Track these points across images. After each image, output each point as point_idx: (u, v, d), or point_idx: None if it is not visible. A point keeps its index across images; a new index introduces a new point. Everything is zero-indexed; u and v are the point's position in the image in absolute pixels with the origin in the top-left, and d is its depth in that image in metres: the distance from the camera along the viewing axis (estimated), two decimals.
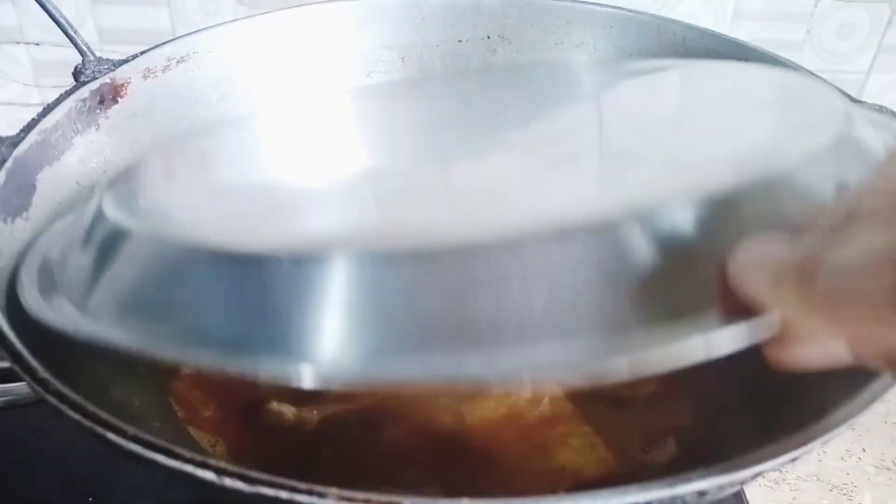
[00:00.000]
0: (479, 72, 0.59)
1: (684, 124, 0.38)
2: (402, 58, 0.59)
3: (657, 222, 0.27)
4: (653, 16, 0.57)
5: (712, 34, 0.56)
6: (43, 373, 0.31)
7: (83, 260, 0.35)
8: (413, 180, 0.36)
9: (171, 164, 0.43)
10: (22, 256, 0.39)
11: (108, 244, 0.34)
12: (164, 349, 0.30)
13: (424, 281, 0.27)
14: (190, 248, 0.30)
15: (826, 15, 0.71)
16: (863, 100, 0.50)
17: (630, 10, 0.58)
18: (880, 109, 0.47)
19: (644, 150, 0.35)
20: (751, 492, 0.50)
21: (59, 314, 0.33)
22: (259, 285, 0.28)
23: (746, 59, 0.54)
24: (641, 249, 0.27)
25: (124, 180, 0.39)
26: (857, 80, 0.72)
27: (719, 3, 0.71)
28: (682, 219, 0.27)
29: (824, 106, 0.35)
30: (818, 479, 0.52)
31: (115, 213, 0.34)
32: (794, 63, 0.52)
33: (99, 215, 0.35)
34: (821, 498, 0.51)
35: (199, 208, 0.37)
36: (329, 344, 0.27)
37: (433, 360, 0.27)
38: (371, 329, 0.27)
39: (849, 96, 0.48)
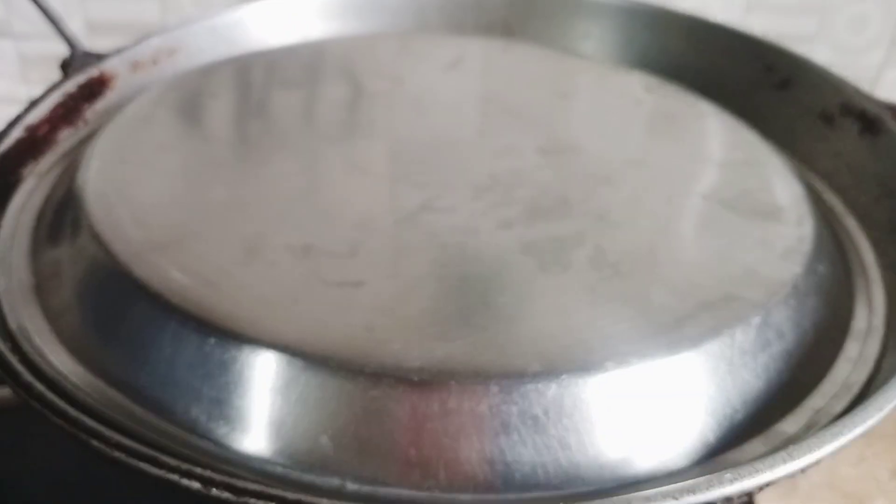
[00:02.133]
0: None
1: None
2: None
3: None
4: (660, 8, 0.55)
5: (720, 26, 0.54)
6: (27, 376, 0.30)
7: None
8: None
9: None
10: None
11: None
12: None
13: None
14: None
15: (838, 7, 0.69)
16: (875, 96, 0.48)
17: (637, 3, 0.56)
18: (893, 107, 0.46)
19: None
20: (763, 500, 0.48)
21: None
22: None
23: (758, 52, 0.52)
24: None
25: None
26: (870, 75, 0.70)
27: None
28: None
29: None
30: (831, 487, 0.51)
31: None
32: (805, 58, 0.50)
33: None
34: None
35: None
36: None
37: None
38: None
39: (862, 92, 0.47)
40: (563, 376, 0.29)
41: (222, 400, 0.30)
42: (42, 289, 0.36)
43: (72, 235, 0.37)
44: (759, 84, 0.52)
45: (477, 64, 0.52)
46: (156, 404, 0.30)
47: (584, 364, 0.29)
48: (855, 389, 0.33)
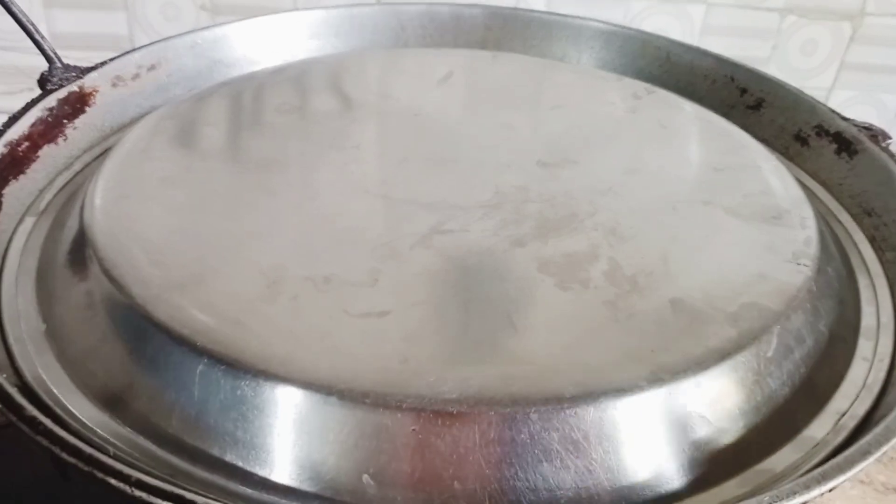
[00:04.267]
0: None
1: None
2: None
3: None
4: (636, 30, 0.57)
5: (696, 49, 0.56)
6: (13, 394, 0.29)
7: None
8: None
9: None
10: None
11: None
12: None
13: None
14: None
15: (791, 32, 0.72)
16: None
17: (614, 25, 0.57)
18: (869, 128, 0.48)
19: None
20: None
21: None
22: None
23: (731, 74, 0.54)
24: None
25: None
26: (820, 95, 0.73)
27: (687, 18, 0.71)
28: None
29: None
30: (862, 483, 0.51)
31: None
32: (779, 80, 0.52)
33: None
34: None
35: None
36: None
37: None
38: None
39: (837, 113, 0.49)
40: (601, 399, 0.29)
41: (258, 443, 0.29)
42: (55, 336, 0.34)
43: (83, 278, 0.36)
44: (733, 105, 0.54)
45: (467, 77, 0.53)
46: (188, 451, 0.30)
47: (619, 385, 0.30)
48: (875, 390, 0.34)
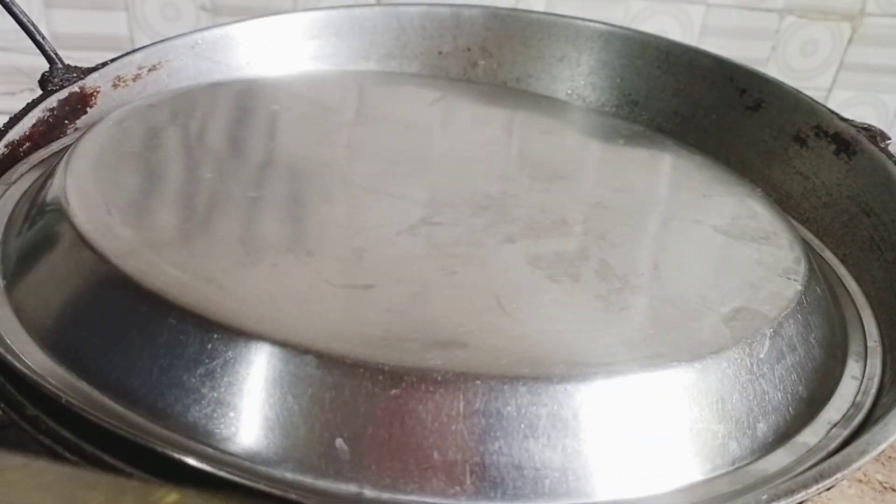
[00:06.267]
0: None
1: None
2: (381, 69, 0.58)
3: None
4: (636, 31, 0.57)
5: (695, 50, 0.56)
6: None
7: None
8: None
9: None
10: None
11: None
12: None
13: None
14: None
15: (790, 32, 0.72)
16: None
17: (613, 25, 0.57)
18: (868, 129, 0.48)
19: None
20: None
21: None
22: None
23: (730, 74, 0.54)
24: None
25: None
26: (820, 96, 0.74)
27: (687, 19, 0.71)
28: None
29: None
30: (859, 481, 0.51)
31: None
32: (777, 81, 0.53)
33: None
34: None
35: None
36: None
37: None
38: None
39: (836, 114, 0.49)
40: (593, 378, 0.28)
41: (225, 401, 0.27)
42: (12, 291, 0.33)
43: (51, 237, 0.34)
44: (732, 106, 0.54)
45: (457, 103, 0.53)
46: (147, 406, 0.28)
47: (612, 365, 0.29)
48: (867, 405, 0.34)
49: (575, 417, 0.28)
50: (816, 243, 0.46)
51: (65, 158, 0.39)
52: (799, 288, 0.36)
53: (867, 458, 0.29)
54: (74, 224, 0.33)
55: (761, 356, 0.32)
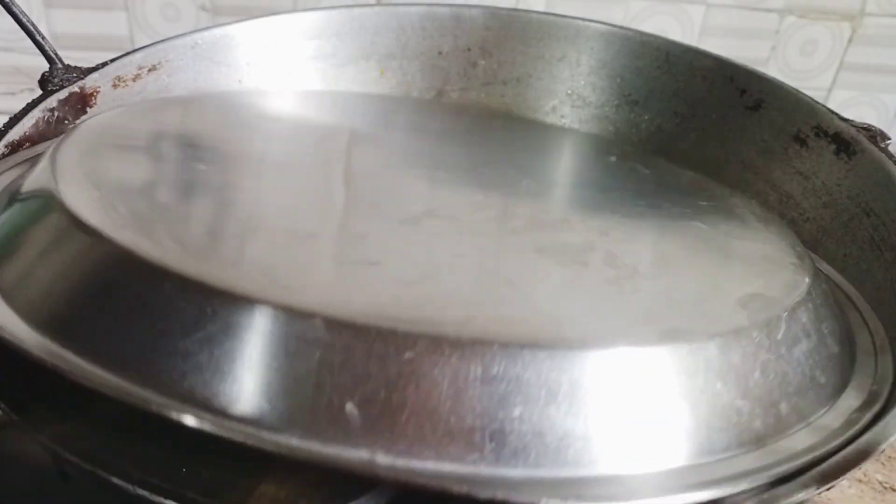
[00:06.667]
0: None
1: None
2: (381, 69, 0.58)
3: None
4: (635, 31, 0.57)
5: (695, 50, 0.56)
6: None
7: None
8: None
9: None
10: None
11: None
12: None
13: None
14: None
15: (790, 32, 0.72)
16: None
17: (613, 25, 0.57)
18: (868, 129, 0.48)
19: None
20: None
21: None
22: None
23: (730, 75, 0.54)
24: None
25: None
26: (820, 96, 0.74)
27: (687, 19, 0.71)
28: None
29: None
30: (860, 481, 0.51)
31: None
32: (778, 81, 0.53)
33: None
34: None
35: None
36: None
37: None
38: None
39: (836, 114, 0.49)
40: (616, 348, 0.28)
41: (225, 367, 0.26)
42: None
43: (41, 217, 0.32)
44: (732, 106, 0.54)
45: (439, 126, 0.54)
46: (142, 375, 0.26)
47: (632, 337, 0.29)
48: (883, 395, 0.33)
49: (599, 387, 0.27)
50: (813, 256, 0.46)
51: (51, 149, 0.38)
52: (807, 280, 0.36)
53: (868, 458, 0.29)
54: (63, 201, 0.32)
55: (778, 337, 0.32)
